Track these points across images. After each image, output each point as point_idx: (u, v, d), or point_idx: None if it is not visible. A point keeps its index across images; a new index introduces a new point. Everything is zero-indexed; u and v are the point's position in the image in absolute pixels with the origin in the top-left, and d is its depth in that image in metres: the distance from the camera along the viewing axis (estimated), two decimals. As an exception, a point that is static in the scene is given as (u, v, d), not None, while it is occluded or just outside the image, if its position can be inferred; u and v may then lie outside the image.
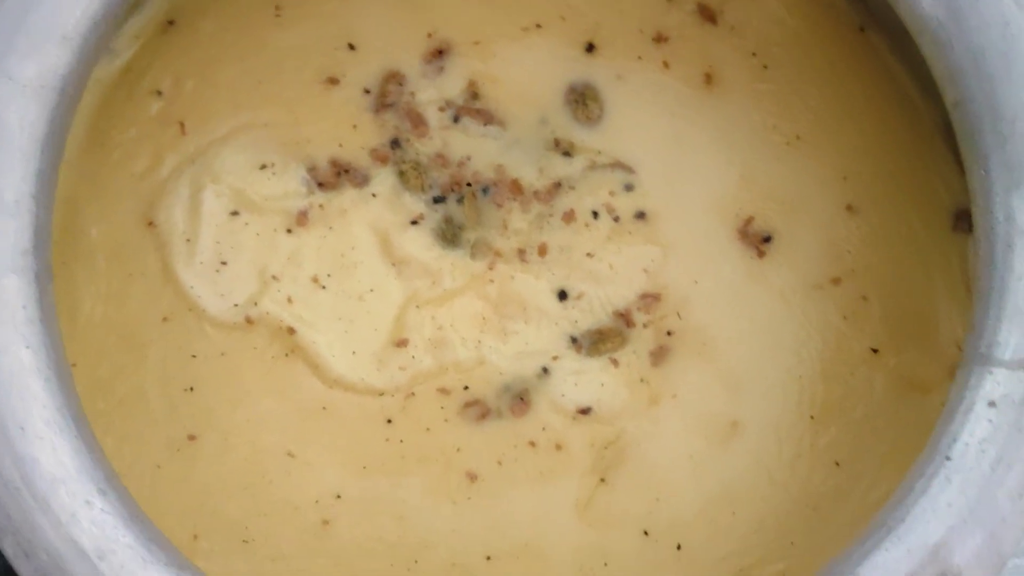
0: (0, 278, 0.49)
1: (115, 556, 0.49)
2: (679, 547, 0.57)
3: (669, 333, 0.58)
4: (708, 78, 0.59)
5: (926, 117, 0.58)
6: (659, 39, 0.59)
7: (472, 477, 0.58)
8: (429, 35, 0.59)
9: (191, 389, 0.57)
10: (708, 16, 0.59)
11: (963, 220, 0.58)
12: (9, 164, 0.50)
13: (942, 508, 0.48)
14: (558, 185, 0.59)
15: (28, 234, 0.50)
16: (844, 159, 0.58)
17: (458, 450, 0.58)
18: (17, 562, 0.48)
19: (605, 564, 0.57)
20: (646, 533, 0.57)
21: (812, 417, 0.57)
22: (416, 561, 0.57)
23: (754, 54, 0.59)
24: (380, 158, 0.59)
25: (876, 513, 0.50)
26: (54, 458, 0.48)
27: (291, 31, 0.59)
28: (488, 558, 0.57)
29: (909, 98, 0.58)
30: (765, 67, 0.59)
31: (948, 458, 0.49)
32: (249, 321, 0.58)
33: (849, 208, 0.58)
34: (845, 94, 0.59)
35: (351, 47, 0.59)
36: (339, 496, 0.57)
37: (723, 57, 0.59)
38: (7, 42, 0.50)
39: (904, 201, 0.58)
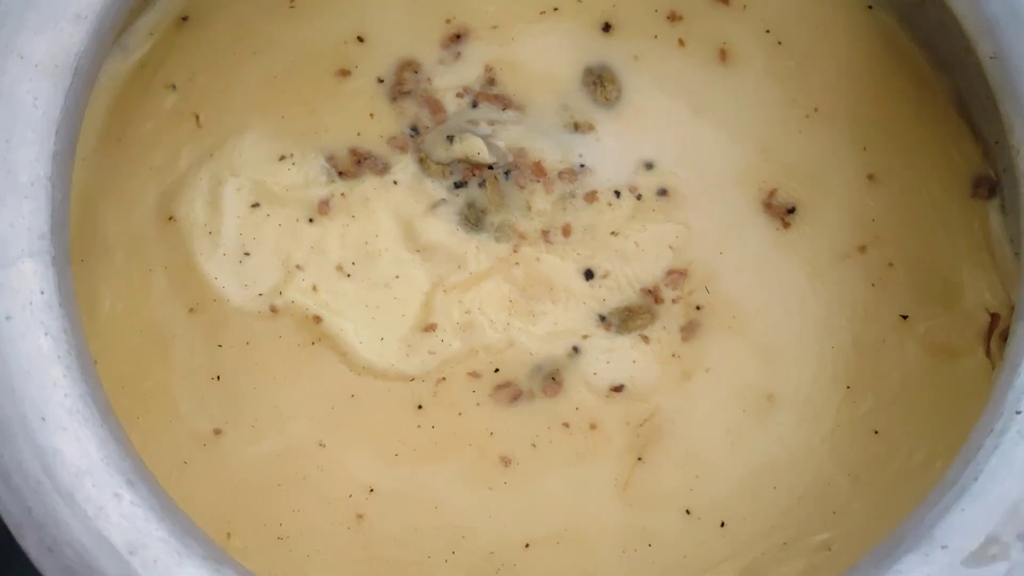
0: (16, 262, 0.41)
1: (147, 551, 0.40)
2: (723, 524, 0.49)
3: (698, 307, 0.50)
4: (723, 55, 0.51)
5: (939, 91, 0.51)
6: (673, 18, 0.52)
7: (506, 461, 0.50)
8: (447, 21, 0.51)
9: (217, 378, 0.49)
10: (720, -5, 0.52)
11: (981, 186, 0.50)
12: (23, 144, 0.41)
13: (1018, 464, 0.40)
14: (580, 166, 0.51)
15: (45, 216, 0.41)
16: (863, 130, 0.51)
17: (491, 434, 0.50)
18: (41, 559, 0.40)
19: (649, 545, 0.48)
20: (688, 512, 0.49)
21: (848, 387, 0.49)
22: (453, 552, 0.49)
23: (768, 31, 0.51)
24: (399, 146, 0.51)
25: (940, 474, 0.42)
26: (78, 449, 0.40)
27: (304, 23, 0.51)
28: (527, 545, 0.49)
29: (921, 73, 0.51)
30: (779, 43, 0.51)
31: (1019, 412, 0.41)
32: (274, 310, 0.50)
33: (871, 177, 0.51)
34: (859, 69, 0.51)
35: (360, 39, 0.51)
36: (372, 490, 0.49)
37: (737, 34, 0.51)
38: (18, 19, 0.42)
39: (923, 170, 0.51)
